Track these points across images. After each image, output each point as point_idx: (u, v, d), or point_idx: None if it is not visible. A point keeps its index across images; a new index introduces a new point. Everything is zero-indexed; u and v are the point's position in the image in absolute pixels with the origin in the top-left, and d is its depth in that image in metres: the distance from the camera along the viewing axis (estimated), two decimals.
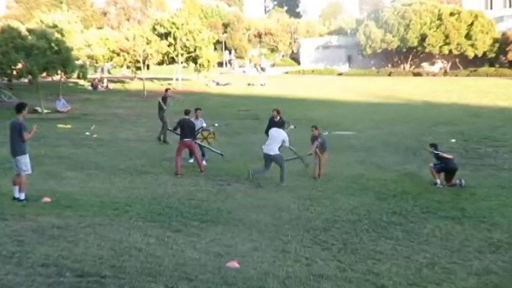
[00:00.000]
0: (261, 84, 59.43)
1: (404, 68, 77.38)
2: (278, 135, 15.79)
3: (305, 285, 8.59)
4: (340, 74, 76.54)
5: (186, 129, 17.28)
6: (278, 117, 20.99)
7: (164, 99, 24.14)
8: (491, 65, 70.59)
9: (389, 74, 72.94)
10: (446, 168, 16.46)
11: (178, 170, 16.88)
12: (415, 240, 11.30)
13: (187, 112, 17.86)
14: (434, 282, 9.12)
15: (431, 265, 9.88)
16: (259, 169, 16.11)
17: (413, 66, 78.65)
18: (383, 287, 8.81)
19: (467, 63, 72.55)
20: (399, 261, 10.01)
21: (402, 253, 10.48)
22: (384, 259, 10.10)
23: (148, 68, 57.02)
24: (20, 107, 12.52)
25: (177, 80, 57.32)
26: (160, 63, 57.79)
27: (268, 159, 15.81)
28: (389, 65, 79.55)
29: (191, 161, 18.39)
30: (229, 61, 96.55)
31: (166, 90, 24.96)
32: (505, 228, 12.25)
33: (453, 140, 23.60)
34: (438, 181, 16.33)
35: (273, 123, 21.30)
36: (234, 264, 9.31)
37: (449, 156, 16.75)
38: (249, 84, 59.83)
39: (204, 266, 9.10)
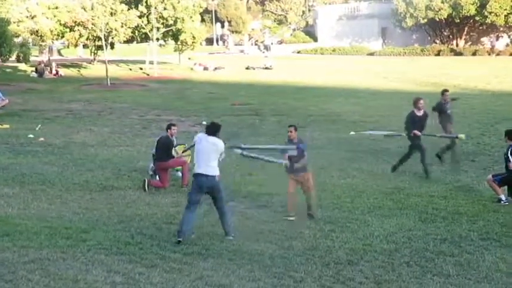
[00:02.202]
0: (267, 68, 59.51)
1: (457, 45, 77.40)
2: (214, 146, 13.22)
3: None
4: (371, 54, 76.53)
5: (160, 149, 17.93)
6: (422, 111, 19.65)
7: (440, 107, 21.49)
8: None
9: (438, 53, 72.90)
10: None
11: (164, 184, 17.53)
12: (472, 276, 11.31)
13: (167, 126, 18.54)
14: None
15: None
16: (186, 218, 12.98)
17: (469, 43, 78.62)
18: None
19: None
20: None
21: None
22: None
23: (112, 47, 56.91)
24: None
25: (151, 63, 57.36)
26: (129, 40, 57.86)
27: (205, 188, 13.10)
28: (438, 41, 79.55)
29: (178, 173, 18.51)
30: (222, 37, 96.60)
31: (444, 92, 21.88)
32: None
33: None
34: (503, 197, 16.34)
35: (415, 121, 19.45)
36: None
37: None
38: (247, 68, 59.92)
39: None
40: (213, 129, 13.37)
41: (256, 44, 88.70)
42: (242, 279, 10.81)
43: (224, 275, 10.96)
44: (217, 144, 13.14)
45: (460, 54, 71.80)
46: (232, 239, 12.82)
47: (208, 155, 13.02)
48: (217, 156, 13.12)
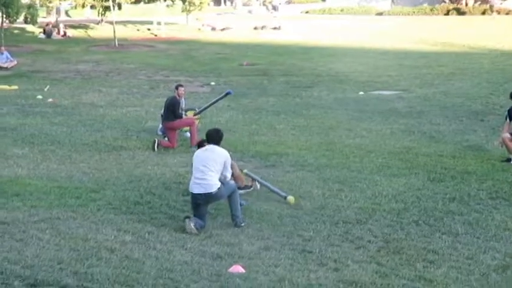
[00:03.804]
0: (275, 28, 59.31)
1: (467, 4, 76.85)
2: (215, 156, 11.59)
3: None
4: (379, 14, 76.08)
5: (167, 109, 17.87)
6: None
7: None
8: None
9: (447, 13, 72.42)
10: None
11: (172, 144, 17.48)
12: (481, 235, 11.32)
13: (175, 87, 18.52)
14: None
15: (502, 268, 9.91)
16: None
17: (479, 2, 78.04)
18: None
19: None
20: (459, 264, 10.05)
21: (463, 253, 10.51)
22: (438, 261, 10.15)
23: (120, 8, 56.66)
24: None
25: (159, 24, 57.21)
26: (137, 1, 57.62)
27: (205, 201, 11.51)
28: (447, 0, 79.00)
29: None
30: None
31: None
32: None
33: None
34: None
35: None
36: (238, 269, 9.38)
37: None
38: (255, 29, 59.68)
39: (198, 272, 9.18)
40: (214, 138, 11.83)
41: (264, 5, 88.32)
42: (251, 237, 10.86)
43: (233, 234, 11.01)
44: (217, 152, 11.64)
45: (463, 13, 71.16)
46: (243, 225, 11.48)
47: (205, 165, 11.43)
48: (218, 167, 11.49)
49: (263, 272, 9.35)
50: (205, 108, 19.64)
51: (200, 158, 11.60)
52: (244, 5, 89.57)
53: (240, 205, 12.03)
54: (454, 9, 72.87)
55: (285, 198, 13.05)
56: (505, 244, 10.89)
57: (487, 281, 9.46)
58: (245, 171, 13.91)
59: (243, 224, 11.44)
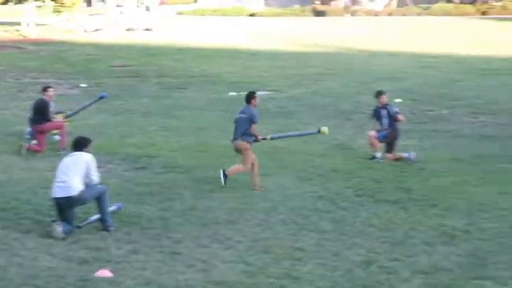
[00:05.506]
0: (146, 29, 58.89)
1: (337, 6, 78.36)
2: (77, 159, 11.40)
3: None
4: (252, 15, 76.62)
5: (36, 112, 17.42)
6: None
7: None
8: (449, 0, 72.51)
9: (317, 14, 73.66)
10: (395, 136, 16.91)
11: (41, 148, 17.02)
12: (347, 232, 11.60)
13: (43, 89, 18.06)
14: (368, 286, 9.42)
15: (366, 264, 10.18)
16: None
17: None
18: None
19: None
20: (325, 261, 10.27)
21: (330, 249, 10.75)
22: (305, 258, 10.34)
23: None
24: None
25: (28, 25, 55.91)
26: (4, 2, 56.18)
27: (68, 205, 11.19)
28: (318, 1, 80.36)
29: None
30: None
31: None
32: (461, 212, 12.80)
33: (398, 100, 24.23)
34: (378, 154, 16.78)
35: None
36: (105, 273, 9.31)
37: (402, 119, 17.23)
38: (128, 30, 59.16)
39: (63, 278, 9.06)
40: (79, 145, 11.63)
41: (138, 6, 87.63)
42: (119, 241, 10.77)
43: (101, 238, 10.90)
44: (80, 156, 11.43)
45: (322, 14, 72.36)
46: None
47: (68, 168, 11.30)
48: (80, 171, 11.23)
49: (131, 276, 9.31)
50: (78, 112, 19.37)
51: (64, 162, 11.48)
52: (118, 5, 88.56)
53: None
54: (319, 11, 74.15)
55: (319, 131, 15.02)
56: (369, 240, 11.20)
57: (352, 277, 9.70)
58: (269, 137, 15.30)
59: (111, 228, 11.33)
